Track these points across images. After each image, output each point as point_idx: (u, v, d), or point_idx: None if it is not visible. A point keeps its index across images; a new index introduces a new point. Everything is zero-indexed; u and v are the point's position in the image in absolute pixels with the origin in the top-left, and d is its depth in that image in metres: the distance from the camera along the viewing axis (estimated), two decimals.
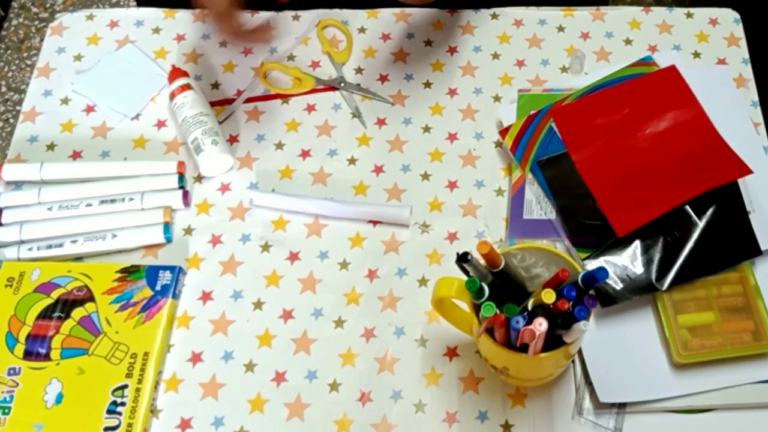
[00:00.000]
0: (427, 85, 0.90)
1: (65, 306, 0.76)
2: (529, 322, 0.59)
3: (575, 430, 0.70)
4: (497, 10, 0.94)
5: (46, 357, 0.73)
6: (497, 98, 0.88)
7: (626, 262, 0.74)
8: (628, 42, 0.91)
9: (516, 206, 0.80)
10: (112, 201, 0.81)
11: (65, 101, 0.90)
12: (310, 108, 0.89)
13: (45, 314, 0.75)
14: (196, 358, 0.75)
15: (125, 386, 0.72)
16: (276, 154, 0.86)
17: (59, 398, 0.72)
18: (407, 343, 0.75)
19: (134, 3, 1.02)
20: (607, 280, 0.73)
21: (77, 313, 0.75)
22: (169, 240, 0.80)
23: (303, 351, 0.75)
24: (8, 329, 0.75)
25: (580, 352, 0.72)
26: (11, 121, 1.86)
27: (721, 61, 0.89)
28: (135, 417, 0.71)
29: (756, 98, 0.87)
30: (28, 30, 1.99)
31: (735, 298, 0.74)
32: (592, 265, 0.75)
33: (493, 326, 0.62)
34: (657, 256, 0.74)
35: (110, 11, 0.96)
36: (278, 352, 0.75)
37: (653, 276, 0.74)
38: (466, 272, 0.62)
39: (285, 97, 0.89)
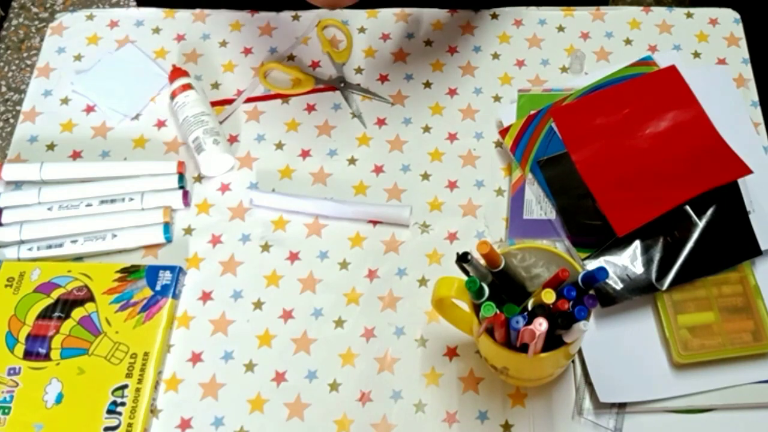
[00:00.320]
0: (427, 85, 0.90)
1: (65, 306, 0.76)
2: (529, 322, 0.59)
3: (575, 430, 0.70)
4: (497, 10, 0.94)
5: (46, 357, 0.73)
6: (497, 98, 0.88)
7: (626, 262, 0.74)
8: (628, 42, 0.91)
9: (516, 206, 0.80)
10: (112, 201, 0.81)
11: (65, 101, 0.90)
12: (310, 108, 0.89)
13: (45, 314, 0.75)
14: (196, 358, 0.75)
15: (125, 386, 0.72)
16: (276, 154, 0.86)
17: (59, 398, 0.72)
18: (407, 343, 0.75)
19: (134, 3, 1.02)
20: (607, 280, 0.73)
21: (77, 313, 0.75)
22: (169, 240, 0.80)
23: (303, 351, 0.75)
24: (8, 329, 0.75)
25: (580, 352, 0.72)
26: (11, 121, 1.86)
27: (721, 61, 0.89)
28: (135, 417, 0.71)
29: (756, 98, 0.87)
30: (28, 30, 1.99)
31: (735, 298, 0.74)
32: (592, 265, 0.75)
33: (493, 326, 0.62)
34: (657, 256, 0.74)
35: (110, 11, 0.96)
36: (278, 352, 0.75)
37: (653, 276, 0.74)
38: (466, 272, 0.62)
39: (285, 97, 0.89)
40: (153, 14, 0.95)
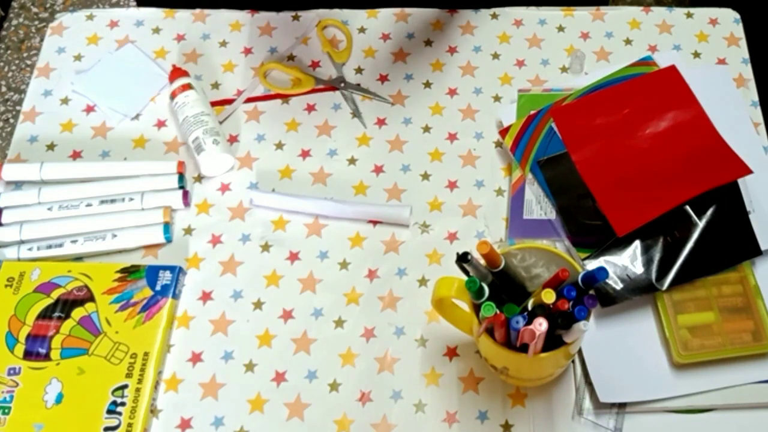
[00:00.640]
0: (427, 85, 0.90)
1: (65, 306, 0.76)
2: (529, 322, 0.59)
3: (575, 430, 0.70)
4: (497, 10, 0.94)
5: (46, 357, 0.73)
6: (497, 98, 0.88)
7: (626, 262, 0.74)
8: (628, 42, 0.91)
9: (516, 206, 0.80)
10: (112, 201, 0.81)
11: (65, 101, 0.90)
12: (310, 108, 0.89)
13: (45, 314, 0.75)
14: (196, 358, 0.75)
15: (125, 386, 0.72)
16: (276, 154, 0.86)
17: (59, 398, 0.72)
18: (407, 343, 0.75)
19: (134, 3, 1.02)
20: (607, 280, 0.73)
21: (77, 313, 0.75)
22: (169, 240, 0.80)
23: (303, 351, 0.75)
24: (8, 329, 0.75)
25: (580, 352, 0.72)
26: (11, 121, 1.86)
27: (721, 61, 0.89)
28: (135, 417, 0.71)
29: (756, 98, 0.87)
30: (28, 30, 1.99)
31: (735, 298, 0.74)
32: (592, 265, 0.75)
33: (493, 326, 0.62)
34: (657, 256, 0.74)
35: (110, 11, 0.96)
36: (278, 352, 0.75)
37: (653, 276, 0.74)
38: (466, 272, 0.62)
39: (285, 97, 0.89)
40: (153, 14, 0.95)
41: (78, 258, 0.80)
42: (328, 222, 0.81)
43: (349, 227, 0.81)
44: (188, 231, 0.81)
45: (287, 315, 0.77)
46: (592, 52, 0.91)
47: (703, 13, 0.93)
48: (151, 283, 0.77)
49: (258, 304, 0.77)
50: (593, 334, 0.73)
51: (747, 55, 0.90)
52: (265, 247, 0.80)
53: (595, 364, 0.72)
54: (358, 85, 0.90)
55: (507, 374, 0.70)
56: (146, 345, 0.74)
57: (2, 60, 1.95)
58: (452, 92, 0.89)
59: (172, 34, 0.94)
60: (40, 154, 0.86)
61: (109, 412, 0.71)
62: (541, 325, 0.58)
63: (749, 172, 0.76)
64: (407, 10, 0.94)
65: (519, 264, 0.67)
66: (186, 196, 0.82)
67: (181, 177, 0.83)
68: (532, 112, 0.84)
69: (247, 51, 0.92)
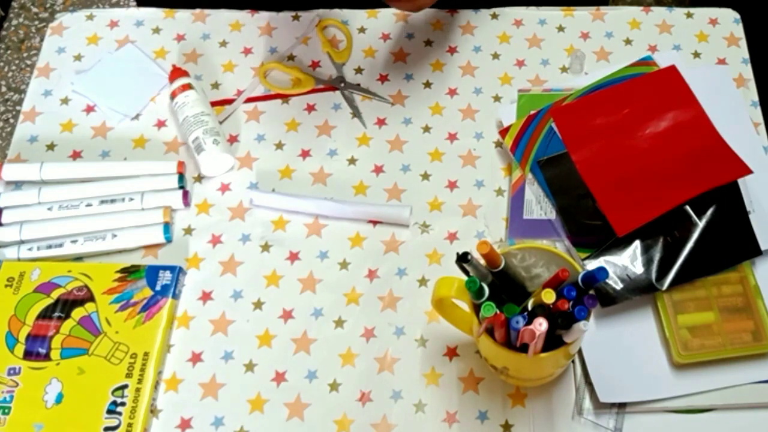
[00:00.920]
0: (427, 85, 0.90)
1: (65, 306, 0.76)
2: (529, 322, 0.59)
3: (575, 430, 0.70)
4: (497, 10, 0.94)
5: (46, 357, 0.73)
6: (497, 98, 0.88)
7: (626, 262, 0.74)
8: (628, 42, 0.91)
9: (516, 206, 0.80)
10: (112, 201, 0.81)
11: (65, 101, 0.90)
12: (310, 108, 0.89)
13: (45, 314, 0.75)
14: (196, 358, 0.75)
15: (125, 386, 0.72)
16: (276, 154, 0.86)
17: (59, 398, 0.72)
18: (407, 343, 0.75)
19: (134, 3, 1.02)
20: (607, 280, 0.73)
21: (77, 313, 0.75)
22: (169, 240, 0.80)
23: (303, 351, 0.75)
24: (8, 329, 0.75)
25: (580, 352, 0.72)
26: (11, 121, 1.86)
27: (721, 61, 0.89)
28: (135, 417, 0.71)
29: (756, 98, 0.87)
30: (28, 30, 1.99)
31: (735, 298, 0.74)
32: (592, 265, 0.75)
33: (493, 326, 0.62)
34: (657, 256, 0.74)
35: (110, 11, 0.96)
36: (278, 352, 0.75)
37: (653, 276, 0.74)
38: (466, 272, 0.62)
39: (285, 97, 0.89)
40: (153, 14, 0.95)
41: (78, 258, 0.80)
42: (328, 222, 0.81)
43: (349, 227, 0.81)
44: (188, 231, 0.81)
45: (287, 315, 0.77)
46: (592, 52, 0.91)
47: (703, 13, 0.93)
48: (151, 283, 0.77)
49: (258, 304, 0.77)
50: (593, 334, 0.73)
51: (747, 55, 0.90)
52: (265, 247, 0.80)
53: (595, 364, 0.72)
54: (358, 85, 0.90)
55: (507, 374, 0.70)
56: (146, 345, 0.74)
57: (2, 60, 1.96)
58: (452, 92, 0.89)
59: (172, 34, 0.94)
60: (40, 154, 0.86)
61: (109, 412, 0.71)
62: (541, 325, 0.58)
63: (749, 172, 0.76)
64: None
65: (519, 264, 0.67)
66: (186, 196, 0.82)
67: (181, 177, 0.83)
68: (532, 112, 0.84)
69: (247, 51, 0.92)
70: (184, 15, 0.95)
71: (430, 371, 0.74)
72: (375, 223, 0.81)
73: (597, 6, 0.94)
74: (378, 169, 0.84)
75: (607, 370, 0.71)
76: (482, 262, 0.63)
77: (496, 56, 0.91)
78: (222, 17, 0.94)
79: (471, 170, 0.84)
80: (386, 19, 0.94)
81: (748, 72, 0.89)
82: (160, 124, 0.88)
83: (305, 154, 0.86)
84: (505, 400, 0.72)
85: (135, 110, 0.89)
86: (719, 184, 0.76)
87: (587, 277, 0.60)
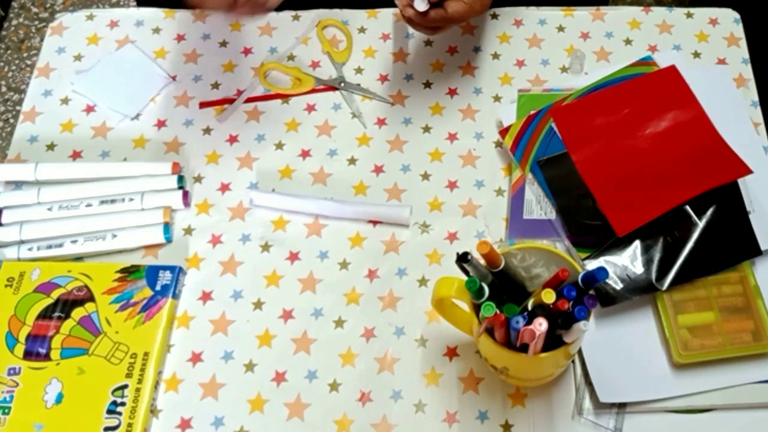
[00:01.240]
0: (427, 85, 0.90)
1: (65, 306, 0.76)
2: (529, 322, 0.59)
3: (575, 430, 0.70)
4: (497, 10, 0.94)
5: (46, 357, 0.73)
6: (497, 98, 0.88)
7: (626, 262, 0.74)
8: (628, 42, 0.91)
9: (516, 206, 0.80)
10: (112, 201, 0.81)
11: (65, 101, 0.90)
12: (310, 108, 0.89)
13: (45, 314, 0.75)
14: (196, 358, 0.75)
15: (125, 386, 0.72)
16: (276, 154, 0.86)
17: (59, 398, 0.72)
18: (407, 343, 0.75)
19: (134, 3, 1.02)
20: (607, 280, 0.73)
21: (77, 313, 0.75)
22: (169, 240, 0.80)
23: (303, 351, 0.75)
24: (8, 329, 0.75)
25: (580, 352, 0.72)
26: (11, 121, 1.86)
27: (721, 61, 0.89)
28: (135, 417, 0.71)
29: (756, 98, 0.87)
30: (28, 30, 1.99)
31: (735, 298, 0.74)
32: (592, 265, 0.75)
33: (493, 326, 0.62)
34: (657, 256, 0.74)
35: (110, 11, 0.96)
36: (278, 352, 0.75)
37: (653, 276, 0.74)
38: (466, 272, 0.62)
39: (285, 97, 0.89)
40: (153, 14, 0.95)
41: (78, 258, 0.80)
42: (328, 222, 0.81)
43: (349, 227, 0.81)
44: (188, 231, 0.81)
45: (287, 315, 0.77)
46: (592, 52, 0.91)
47: (703, 13, 0.93)
48: (151, 283, 0.77)
49: (258, 304, 0.77)
50: (593, 334, 0.73)
51: (747, 55, 0.90)
52: (265, 247, 0.80)
53: (595, 364, 0.72)
54: (358, 85, 0.90)
55: (507, 374, 0.70)
56: (146, 345, 0.74)
57: (2, 60, 1.96)
58: (452, 92, 0.89)
59: (172, 34, 0.94)
60: (40, 154, 0.86)
61: (109, 412, 0.71)
62: (541, 325, 0.58)
63: (749, 172, 0.76)
64: None
65: (519, 264, 0.67)
66: (186, 196, 0.82)
67: (181, 177, 0.83)
68: (532, 112, 0.84)
69: (247, 51, 0.92)
70: (184, 15, 0.95)
71: (430, 371, 0.74)
72: (375, 223, 0.81)
73: (597, 6, 0.94)
74: (378, 169, 0.84)
75: (607, 370, 0.71)
76: (482, 262, 0.63)
77: (496, 56, 0.91)
78: (222, 17, 0.94)
79: (471, 170, 0.84)
80: (386, 19, 0.94)
81: (748, 72, 0.89)
82: (160, 124, 0.88)
83: (305, 154, 0.86)
84: (505, 400, 0.72)
85: (135, 110, 0.89)
86: (719, 184, 0.76)
87: (587, 277, 0.60)
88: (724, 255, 0.75)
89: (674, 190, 0.76)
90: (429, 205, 0.82)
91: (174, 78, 0.90)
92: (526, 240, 0.78)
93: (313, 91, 0.89)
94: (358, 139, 0.86)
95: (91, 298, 0.76)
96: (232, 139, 0.87)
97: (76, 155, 0.86)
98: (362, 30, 0.93)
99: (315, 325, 0.76)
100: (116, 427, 0.70)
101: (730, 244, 0.75)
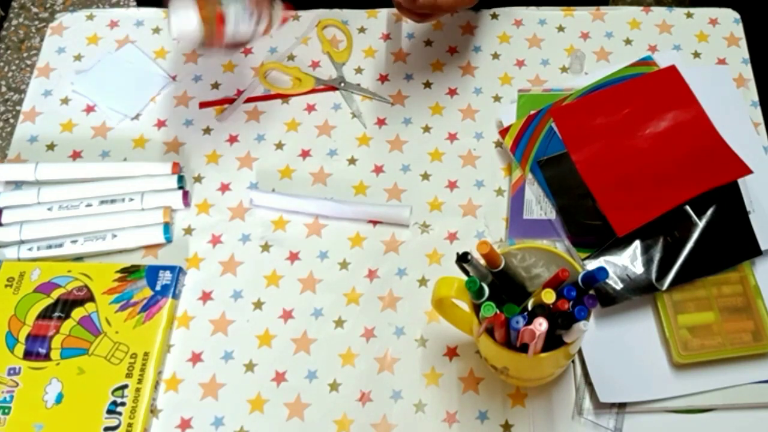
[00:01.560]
0: (427, 85, 0.90)
1: (65, 306, 0.76)
2: (529, 322, 0.59)
3: (575, 430, 0.70)
4: (497, 10, 0.94)
5: (46, 357, 0.73)
6: (497, 98, 0.88)
7: (626, 262, 0.74)
8: (628, 42, 0.91)
9: (516, 206, 0.80)
10: (112, 201, 0.81)
11: (65, 101, 0.90)
12: (310, 108, 0.89)
13: (45, 314, 0.75)
14: (196, 358, 0.75)
15: (125, 386, 0.72)
16: (276, 154, 0.86)
17: (59, 398, 0.72)
18: (407, 343, 0.75)
19: (134, 3, 1.02)
20: (607, 280, 0.73)
21: (77, 313, 0.75)
22: (169, 240, 0.80)
23: (303, 351, 0.75)
24: (8, 329, 0.75)
25: (580, 352, 0.72)
26: (11, 121, 1.86)
27: (721, 61, 0.89)
28: (135, 417, 0.71)
29: (756, 98, 0.87)
30: (28, 30, 1.99)
31: (735, 298, 0.74)
32: (592, 265, 0.75)
33: (493, 326, 0.62)
34: (657, 256, 0.74)
35: (110, 11, 0.96)
36: (278, 352, 0.75)
37: (653, 276, 0.74)
38: (466, 272, 0.62)
39: (285, 97, 0.89)
40: (153, 14, 0.95)
41: (78, 258, 0.80)
42: (328, 222, 0.81)
43: (349, 227, 0.81)
44: (188, 231, 0.81)
45: (287, 315, 0.77)
46: (592, 52, 0.91)
47: (703, 13, 0.93)
48: (151, 283, 0.77)
49: (258, 304, 0.77)
50: (593, 334, 0.73)
51: (747, 55, 0.90)
52: (265, 247, 0.80)
53: (595, 364, 0.72)
54: (358, 85, 0.90)
55: (507, 374, 0.70)
56: (146, 345, 0.74)
57: (2, 60, 1.96)
58: (452, 92, 0.89)
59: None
60: (40, 154, 0.86)
61: (109, 412, 0.71)
62: (541, 325, 0.58)
63: (749, 172, 0.76)
64: None
65: (519, 264, 0.67)
66: (186, 196, 0.82)
67: (181, 177, 0.83)
68: (532, 112, 0.84)
69: (247, 51, 0.92)
70: None
71: (430, 371, 0.74)
72: (375, 223, 0.81)
73: (597, 6, 0.94)
74: (378, 169, 0.84)
75: (607, 370, 0.71)
76: (482, 262, 0.63)
77: (496, 56, 0.91)
78: None
79: (471, 170, 0.84)
80: (386, 19, 0.94)
81: (748, 72, 0.89)
82: (160, 124, 0.88)
83: (305, 154, 0.86)
84: (505, 400, 0.72)
85: (135, 110, 0.89)
86: (719, 184, 0.76)
87: (587, 277, 0.60)
88: (724, 255, 0.75)
89: (674, 190, 0.76)
90: (429, 205, 0.82)
91: (174, 78, 0.90)
92: (526, 240, 0.78)
93: (313, 91, 0.89)
94: (358, 139, 0.86)
95: (91, 298, 0.76)
96: (232, 139, 0.87)
97: (76, 155, 0.86)
98: (362, 30, 0.93)
99: (315, 325, 0.76)
100: (116, 427, 0.70)
101: (730, 244, 0.75)
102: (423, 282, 0.78)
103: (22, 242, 0.80)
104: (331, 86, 0.90)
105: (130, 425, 0.70)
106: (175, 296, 0.77)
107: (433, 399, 0.73)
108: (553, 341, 0.62)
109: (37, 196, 0.81)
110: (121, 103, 0.89)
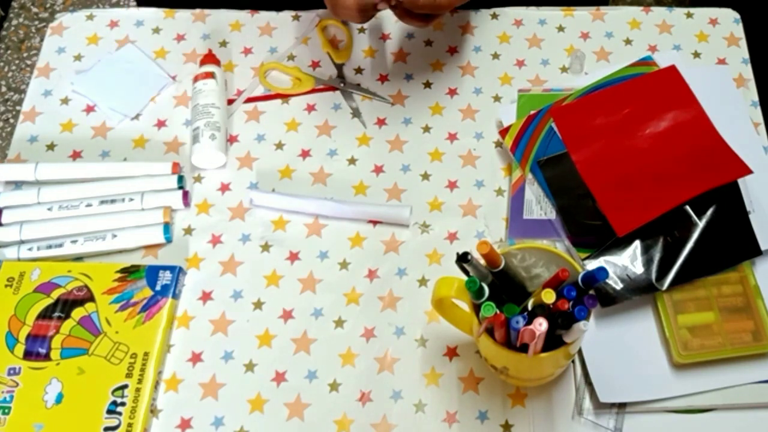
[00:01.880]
0: (427, 85, 0.90)
1: (65, 306, 0.76)
2: (529, 322, 0.59)
3: (575, 430, 0.70)
4: (497, 10, 0.94)
5: (46, 357, 0.73)
6: (497, 98, 0.88)
7: (626, 262, 0.74)
8: (628, 42, 0.91)
9: (516, 206, 0.80)
10: (112, 201, 0.81)
11: (65, 101, 0.90)
12: (310, 108, 0.89)
13: (45, 314, 0.75)
14: (196, 358, 0.75)
15: (125, 386, 0.72)
16: (276, 154, 0.86)
17: (59, 398, 0.72)
18: (407, 343, 0.75)
19: (134, 3, 1.02)
20: (607, 280, 0.73)
21: (77, 313, 0.75)
22: (169, 240, 0.80)
23: (303, 351, 0.75)
24: (8, 329, 0.75)
25: (580, 352, 0.72)
26: (11, 121, 1.86)
27: (721, 61, 0.89)
28: (135, 417, 0.71)
29: (756, 98, 0.87)
30: (28, 30, 1.99)
31: (735, 298, 0.74)
32: (592, 265, 0.75)
33: (493, 326, 0.62)
34: (657, 256, 0.74)
35: (110, 11, 0.96)
36: (278, 352, 0.75)
37: (653, 276, 0.74)
38: (466, 272, 0.62)
39: (285, 97, 0.89)
40: (153, 14, 0.95)
41: (78, 258, 0.80)
42: (328, 222, 0.81)
43: (349, 227, 0.81)
44: (188, 231, 0.81)
45: (287, 315, 0.77)
46: (592, 52, 0.91)
47: (703, 13, 0.93)
48: (151, 283, 0.77)
49: (258, 304, 0.77)
50: (593, 334, 0.73)
51: (747, 55, 0.90)
52: (265, 247, 0.80)
53: (595, 364, 0.72)
54: (358, 85, 0.90)
55: (507, 374, 0.70)
56: (146, 345, 0.74)
57: (2, 60, 1.96)
58: (452, 92, 0.89)
59: (172, 34, 0.94)
60: (40, 154, 0.86)
61: (109, 412, 0.71)
62: (541, 325, 0.58)
63: (749, 172, 0.76)
64: None
65: (519, 264, 0.67)
66: (186, 196, 0.82)
67: (181, 177, 0.83)
68: (532, 112, 0.84)
69: (247, 51, 0.92)
70: (184, 15, 0.95)
71: (430, 371, 0.74)
72: (375, 223, 0.81)
73: (597, 6, 0.94)
74: (378, 169, 0.84)
75: (607, 370, 0.71)
76: (482, 262, 0.63)
77: (496, 56, 0.91)
78: (222, 17, 0.94)
79: (471, 170, 0.84)
80: (386, 19, 0.94)
81: (748, 72, 0.89)
82: (160, 124, 0.88)
83: (305, 154, 0.86)
84: (505, 400, 0.72)
85: (135, 110, 0.89)
86: (719, 184, 0.76)
87: (587, 277, 0.60)
88: (724, 255, 0.75)
89: (674, 190, 0.76)
90: (429, 205, 0.82)
91: (174, 78, 0.90)
92: (526, 240, 0.78)
93: (313, 91, 0.89)
94: (358, 139, 0.86)
95: (91, 298, 0.76)
96: (232, 139, 0.87)
97: (76, 155, 0.86)
98: (362, 30, 0.93)
99: (315, 325, 0.76)
100: (116, 427, 0.70)
101: (730, 244, 0.75)
102: (423, 282, 0.78)
103: (22, 242, 0.80)
104: (331, 86, 0.90)
105: (130, 425, 0.70)
106: (175, 296, 0.77)
107: (433, 399, 0.73)
108: (553, 341, 0.62)
109: (37, 196, 0.81)
110: (121, 103, 0.89)
